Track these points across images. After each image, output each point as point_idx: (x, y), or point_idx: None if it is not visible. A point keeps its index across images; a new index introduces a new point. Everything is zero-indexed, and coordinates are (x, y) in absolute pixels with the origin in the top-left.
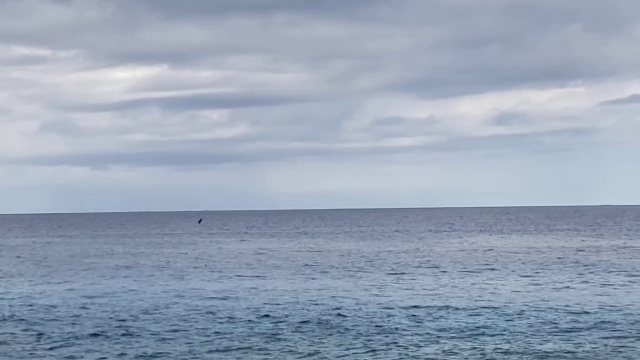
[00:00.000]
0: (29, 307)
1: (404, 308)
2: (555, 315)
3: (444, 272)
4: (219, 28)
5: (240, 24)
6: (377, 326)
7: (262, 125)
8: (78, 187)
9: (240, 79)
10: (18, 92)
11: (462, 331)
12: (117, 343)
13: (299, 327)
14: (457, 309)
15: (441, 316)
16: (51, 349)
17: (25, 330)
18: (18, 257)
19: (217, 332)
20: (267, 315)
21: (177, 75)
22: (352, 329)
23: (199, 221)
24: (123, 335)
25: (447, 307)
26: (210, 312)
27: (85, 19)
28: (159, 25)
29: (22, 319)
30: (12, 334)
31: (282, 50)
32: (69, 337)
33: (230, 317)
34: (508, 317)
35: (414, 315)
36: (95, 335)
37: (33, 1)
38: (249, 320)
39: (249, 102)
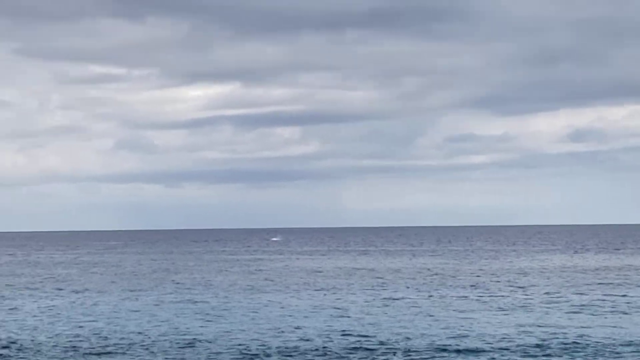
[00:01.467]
0: (118, 319)
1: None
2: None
3: (526, 290)
4: (290, 46)
5: (311, 42)
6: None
7: (334, 142)
8: (151, 204)
9: (312, 97)
10: (93, 110)
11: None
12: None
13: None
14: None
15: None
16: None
17: (116, 340)
18: (97, 272)
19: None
20: (347, 333)
21: (249, 93)
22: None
23: (274, 239)
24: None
25: (528, 324)
26: (298, 330)
27: (159, 38)
28: (231, 43)
29: (112, 331)
30: (102, 345)
31: (353, 67)
32: (166, 350)
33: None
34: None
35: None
36: (187, 346)
37: (108, 20)
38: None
39: (320, 120)
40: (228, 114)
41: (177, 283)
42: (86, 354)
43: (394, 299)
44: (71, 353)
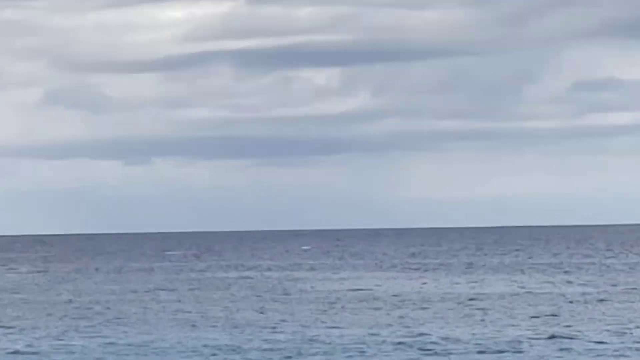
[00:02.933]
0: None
1: None
2: None
3: None
4: None
5: None
6: None
7: (392, 93)
8: (104, 190)
9: (358, 20)
10: (8, 43)
11: None
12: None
13: None
14: None
15: None
16: None
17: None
18: None
19: None
20: None
21: (259, 15)
22: None
23: (304, 247)
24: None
25: None
26: None
27: None
28: None
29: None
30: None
31: None
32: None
33: None
34: None
35: None
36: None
37: None
38: None
39: (371, 57)
40: (225, 47)
41: None
42: None
43: None
44: None
